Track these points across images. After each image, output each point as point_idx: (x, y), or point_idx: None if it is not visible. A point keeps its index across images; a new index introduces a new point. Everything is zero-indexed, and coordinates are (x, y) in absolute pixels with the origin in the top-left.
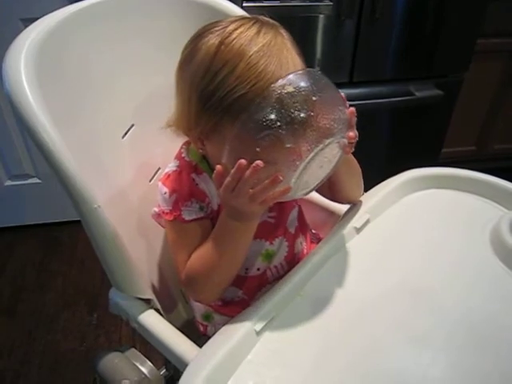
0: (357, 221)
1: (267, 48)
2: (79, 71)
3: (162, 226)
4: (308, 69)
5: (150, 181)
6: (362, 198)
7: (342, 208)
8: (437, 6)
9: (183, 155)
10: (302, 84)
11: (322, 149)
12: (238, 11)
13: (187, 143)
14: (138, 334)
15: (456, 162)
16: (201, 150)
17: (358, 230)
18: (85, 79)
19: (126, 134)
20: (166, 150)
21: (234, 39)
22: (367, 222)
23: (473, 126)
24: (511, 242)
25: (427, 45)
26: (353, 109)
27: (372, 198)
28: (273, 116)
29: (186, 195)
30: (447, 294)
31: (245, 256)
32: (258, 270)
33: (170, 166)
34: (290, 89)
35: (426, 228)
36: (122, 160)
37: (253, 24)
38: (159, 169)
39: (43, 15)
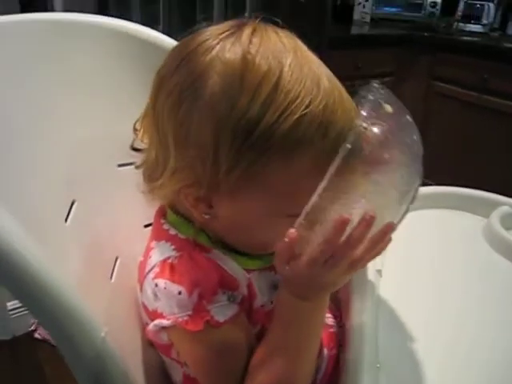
0: (374, 262)
1: (300, 53)
2: None
3: (159, 346)
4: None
5: (111, 278)
6: None
7: None
8: None
9: (172, 232)
10: (393, 99)
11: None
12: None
13: (161, 213)
14: None
15: None
16: (207, 216)
17: (380, 272)
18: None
19: (68, 215)
20: (121, 229)
21: (260, 47)
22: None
23: None
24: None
25: None
26: None
27: None
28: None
29: (213, 287)
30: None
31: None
32: None
33: (163, 253)
34: (389, 109)
35: (429, 247)
36: (69, 255)
37: (266, 27)
38: (117, 258)
39: None
